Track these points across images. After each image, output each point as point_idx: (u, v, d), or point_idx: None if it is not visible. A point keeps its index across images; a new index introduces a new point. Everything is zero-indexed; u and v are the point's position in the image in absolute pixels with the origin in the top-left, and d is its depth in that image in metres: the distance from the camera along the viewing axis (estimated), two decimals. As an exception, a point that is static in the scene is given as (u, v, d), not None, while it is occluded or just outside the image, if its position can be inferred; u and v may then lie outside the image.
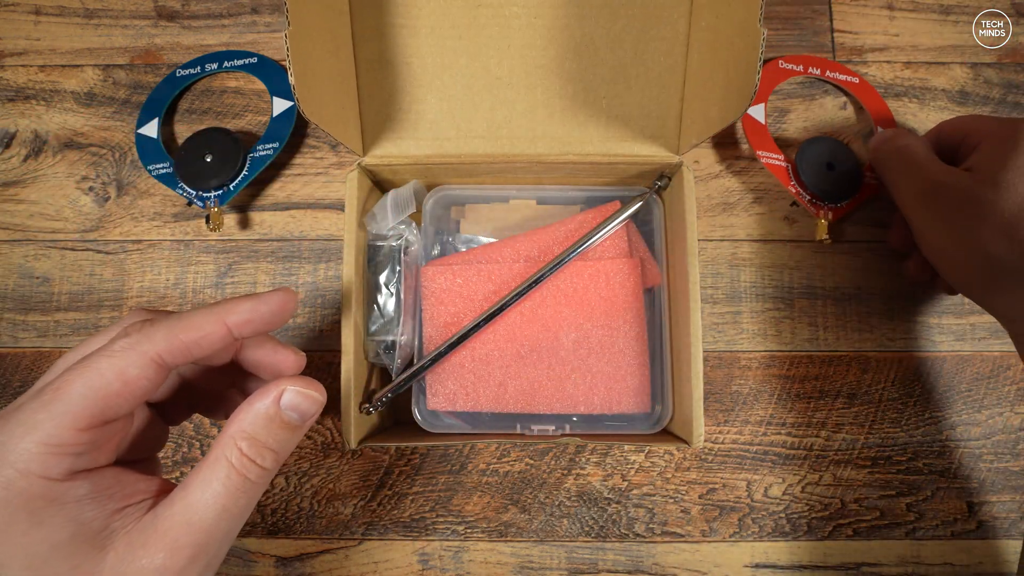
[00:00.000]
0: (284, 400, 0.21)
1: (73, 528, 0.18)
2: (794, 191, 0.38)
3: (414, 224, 0.35)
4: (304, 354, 0.25)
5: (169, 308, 0.39)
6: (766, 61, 0.41)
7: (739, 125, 0.41)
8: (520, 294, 0.33)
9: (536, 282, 0.33)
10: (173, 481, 0.21)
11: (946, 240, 0.31)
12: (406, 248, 0.35)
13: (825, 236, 0.37)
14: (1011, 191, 0.28)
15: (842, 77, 0.41)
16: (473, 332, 0.32)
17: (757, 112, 0.40)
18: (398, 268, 0.35)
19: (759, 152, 0.39)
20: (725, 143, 0.41)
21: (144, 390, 0.20)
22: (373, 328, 0.34)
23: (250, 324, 0.21)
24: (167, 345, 0.20)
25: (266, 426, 0.20)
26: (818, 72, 0.41)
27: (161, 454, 0.26)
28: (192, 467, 0.22)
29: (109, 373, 0.19)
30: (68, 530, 0.18)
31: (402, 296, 0.34)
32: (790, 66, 0.41)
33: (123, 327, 0.21)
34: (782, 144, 0.41)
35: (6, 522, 0.17)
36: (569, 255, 0.33)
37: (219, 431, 0.25)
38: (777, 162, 0.39)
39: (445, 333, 0.34)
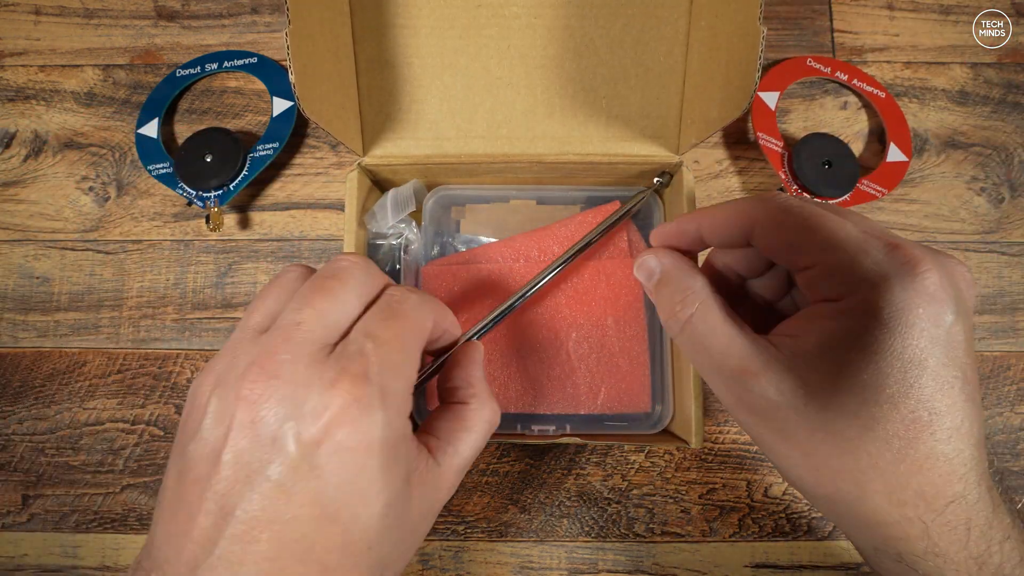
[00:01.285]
0: (479, 360, 0.25)
1: (408, 466, 0.20)
2: (783, 177, 0.38)
3: (414, 223, 0.35)
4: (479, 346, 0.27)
5: (170, 308, 0.39)
6: (790, 58, 0.42)
7: (748, 115, 0.41)
8: (534, 287, 0.31)
9: (548, 274, 0.31)
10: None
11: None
12: (406, 247, 0.35)
13: None
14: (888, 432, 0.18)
15: (869, 89, 0.41)
16: (497, 320, 0.30)
17: (770, 98, 0.40)
18: (398, 267, 0.35)
19: (759, 133, 0.39)
20: (733, 138, 0.41)
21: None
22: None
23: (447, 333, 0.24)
24: (386, 279, 0.22)
25: (487, 387, 0.25)
26: (845, 78, 0.41)
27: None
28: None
29: (438, 312, 0.23)
30: (407, 468, 0.20)
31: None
32: (818, 66, 0.41)
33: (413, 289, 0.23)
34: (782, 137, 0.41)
35: (384, 460, 0.18)
36: (574, 252, 0.32)
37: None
38: (774, 147, 0.39)
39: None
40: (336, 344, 0.19)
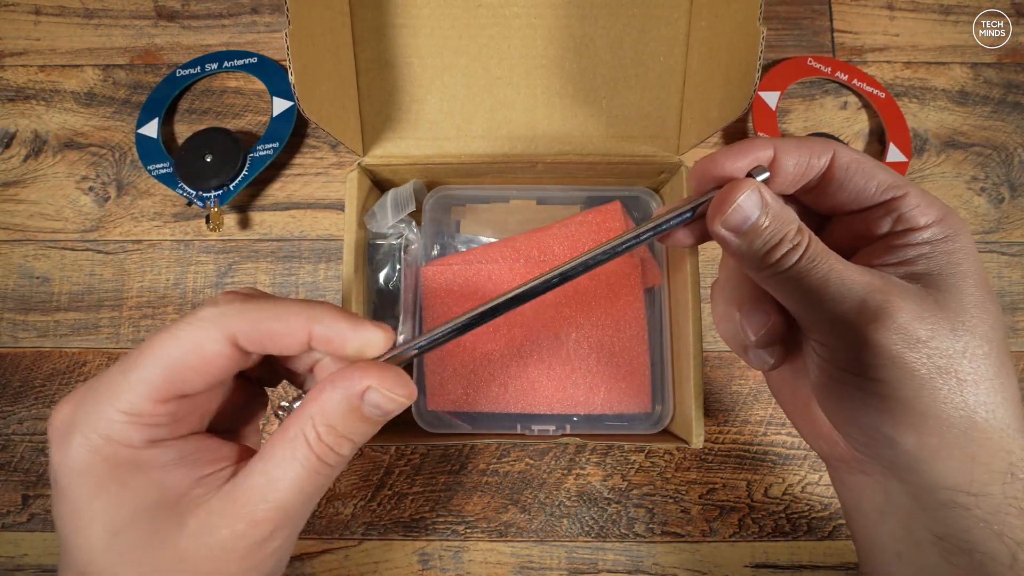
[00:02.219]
0: (369, 398, 0.19)
1: (157, 494, 0.18)
2: None
3: (414, 223, 0.35)
4: (391, 329, 0.22)
5: (170, 308, 0.39)
6: (790, 58, 0.42)
7: (749, 115, 0.41)
8: (547, 284, 0.24)
9: (565, 277, 0.24)
10: (252, 446, 0.21)
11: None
12: (406, 247, 0.35)
13: None
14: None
15: (869, 89, 0.41)
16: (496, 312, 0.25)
17: (770, 98, 0.40)
18: (398, 267, 0.35)
19: (760, 133, 0.39)
20: (733, 138, 0.41)
21: (221, 369, 0.19)
22: (373, 328, 0.34)
23: (329, 344, 0.20)
24: (248, 328, 0.19)
25: (345, 417, 0.19)
26: (845, 78, 0.41)
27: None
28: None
29: (187, 344, 0.18)
30: (152, 496, 0.18)
31: (402, 295, 0.34)
32: (818, 66, 0.41)
33: (218, 295, 0.21)
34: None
35: (93, 485, 0.17)
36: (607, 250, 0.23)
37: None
38: None
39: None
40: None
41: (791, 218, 0.20)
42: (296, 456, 0.19)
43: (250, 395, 0.23)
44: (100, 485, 0.17)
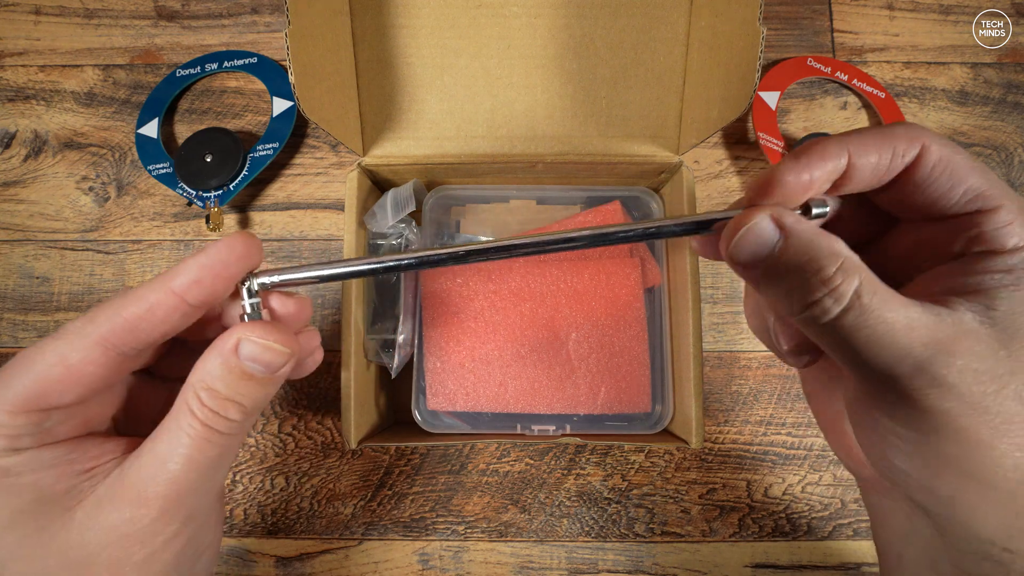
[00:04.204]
0: (243, 351, 0.19)
1: (34, 494, 0.18)
2: None
3: (414, 223, 0.35)
4: (308, 298, 0.21)
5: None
6: (790, 58, 0.42)
7: (749, 115, 0.41)
8: (545, 243, 0.22)
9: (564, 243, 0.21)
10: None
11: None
12: (406, 247, 0.35)
13: None
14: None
15: (869, 89, 0.41)
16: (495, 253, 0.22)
17: (770, 98, 0.40)
18: (398, 268, 0.35)
19: (760, 133, 0.39)
20: (733, 138, 0.41)
21: (92, 376, 0.18)
22: (373, 327, 0.34)
23: (200, 285, 0.19)
24: (111, 326, 0.18)
25: (225, 377, 0.18)
26: (845, 78, 0.41)
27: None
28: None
29: (51, 358, 0.18)
30: (28, 496, 0.18)
31: (402, 295, 0.34)
32: (818, 66, 0.41)
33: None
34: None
35: None
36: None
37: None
38: (775, 147, 0.39)
39: (445, 333, 0.34)
40: None
41: (829, 254, 0.16)
42: (182, 427, 0.18)
43: (157, 393, 0.23)
44: None
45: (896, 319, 0.15)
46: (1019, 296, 0.16)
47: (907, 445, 0.16)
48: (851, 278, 0.15)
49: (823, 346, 0.17)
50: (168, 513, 0.18)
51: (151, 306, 0.18)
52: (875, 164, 0.17)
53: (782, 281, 0.16)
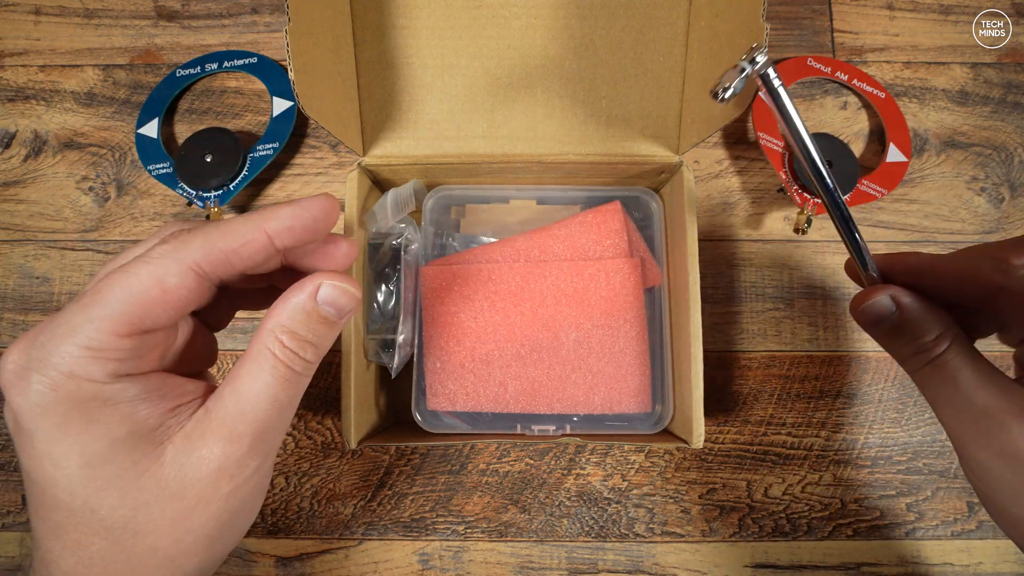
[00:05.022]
0: (321, 295, 0.20)
1: (129, 426, 0.18)
2: (784, 177, 0.38)
3: (414, 223, 0.35)
4: (355, 242, 0.23)
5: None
6: (790, 58, 0.42)
7: (749, 115, 0.41)
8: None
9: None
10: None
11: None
12: (406, 247, 0.35)
13: (803, 226, 0.37)
14: None
15: (869, 89, 0.41)
16: None
17: None
18: (398, 267, 0.35)
19: (760, 133, 0.39)
20: (733, 138, 0.41)
21: (184, 300, 0.19)
22: (373, 327, 0.34)
23: (291, 232, 0.20)
24: (204, 253, 0.19)
25: (304, 320, 0.20)
26: (845, 78, 0.41)
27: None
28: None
29: (148, 280, 0.18)
30: (124, 427, 0.18)
31: (402, 295, 0.34)
32: (818, 66, 0.41)
33: (161, 236, 0.20)
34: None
35: (59, 422, 0.18)
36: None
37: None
38: (775, 147, 0.39)
39: (445, 333, 0.34)
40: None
41: (938, 318, 0.22)
42: (264, 368, 0.19)
43: (204, 340, 0.23)
44: (67, 421, 0.18)
45: (968, 375, 0.20)
46: None
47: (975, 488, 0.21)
48: (944, 341, 0.21)
49: (915, 380, 0.23)
50: (253, 449, 0.19)
51: (245, 242, 0.19)
52: (950, 293, 0.22)
53: (899, 334, 0.22)
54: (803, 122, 0.24)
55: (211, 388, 0.21)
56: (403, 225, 0.35)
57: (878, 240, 0.40)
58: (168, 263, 0.19)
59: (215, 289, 0.21)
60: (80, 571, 0.18)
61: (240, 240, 0.19)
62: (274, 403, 0.20)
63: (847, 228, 0.24)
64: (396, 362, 0.34)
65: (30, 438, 0.18)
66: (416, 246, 0.35)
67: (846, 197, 0.38)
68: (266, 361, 0.20)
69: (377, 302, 0.34)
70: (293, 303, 0.20)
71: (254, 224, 0.20)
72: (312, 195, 0.21)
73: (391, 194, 0.34)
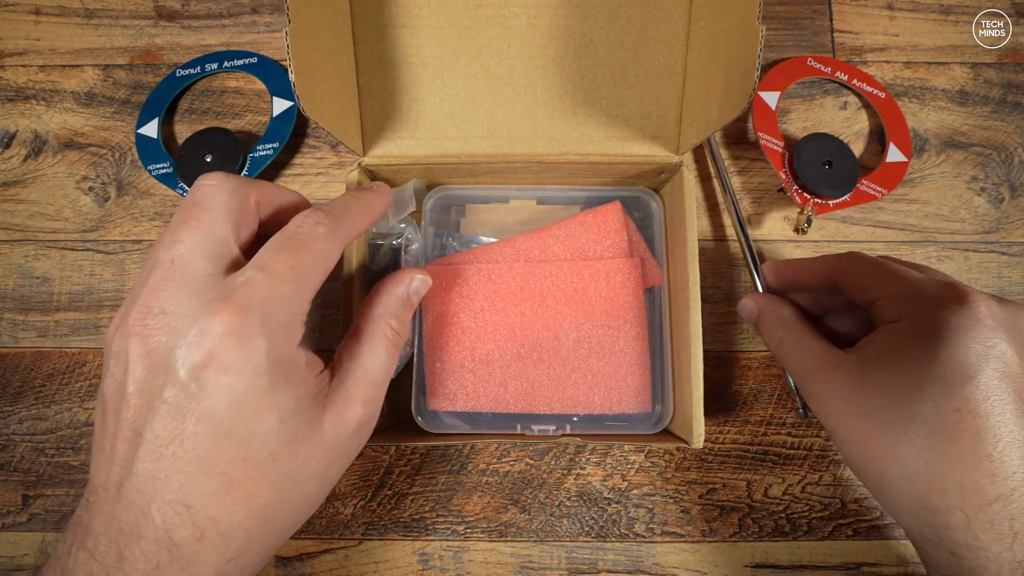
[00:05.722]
0: (412, 287, 0.27)
1: (305, 388, 0.21)
2: (784, 177, 0.38)
3: (414, 223, 0.35)
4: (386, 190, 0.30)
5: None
6: (790, 58, 0.42)
7: (748, 115, 0.41)
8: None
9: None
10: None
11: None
12: (406, 247, 0.35)
13: (803, 226, 0.37)
14: (912, 430, 0.22)
15: (869, 89, 0.41)
16: None
17: (770, 98, 0.40)
18: (398, 267, 0.35)
19: (760, 133, 0.39)
20: (732, 138, 0.41)
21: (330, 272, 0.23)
22: (373, 328, 0.34)
23: (373, 218, 0.27)
24: (346, 232, 0.24)
25: (402, 307, 0.26)
26: (845, 78, 0.41)
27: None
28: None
29: (328, 255, 0.23)
30: (303, 389, 0.21)
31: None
32: (818, 66, 0.41)
33: (209, 183, 0.23)
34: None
35: (270, 380, 0.20)
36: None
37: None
38: (775, 147, 0.39)
39: (445, 333, 0.34)
40: (227, 272, 0.21)
41: (779, 313, 0.31)
42: (381, 346, 0.24)
43: None
44: (275, 380, 0.20)
45: (801, 349, 0.28)
46: (886, 348, 0.25)
47: (845, 437, 0.25)
48: (783, 327, 0.30)
49: (777, 360, 0.33)
50: (376, 411, 0.24)
51: (363, 227, 0.26)
52: (811, 282, 0.32)
53: (760, 326, 0.32)
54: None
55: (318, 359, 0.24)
56: (403, 225, 0.35)
57: (878, 240, 0.40)
58: (333, 241, 0.23)
59: None
60: (246, 523, 0.20)
61: (360, 227, 0.25)
62: (388, 374, 0.25)
63: (749, 249, 0.36)
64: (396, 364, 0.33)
65: (237, 393, 0.19)
66: (416, 246, 0.35)
67: (846, 197, 0.38)
68: (382, 341, 0.24)
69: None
70: (395, 294, 0.26)
71: (364, 218, 0.26)
72: (378, 190, 0.28)
73: (392, 194, 0.34)
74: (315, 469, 0.22)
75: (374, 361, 0.24)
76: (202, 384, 0.19)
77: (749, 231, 0.40)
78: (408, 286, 0.27)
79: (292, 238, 0.22)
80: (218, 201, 0.22)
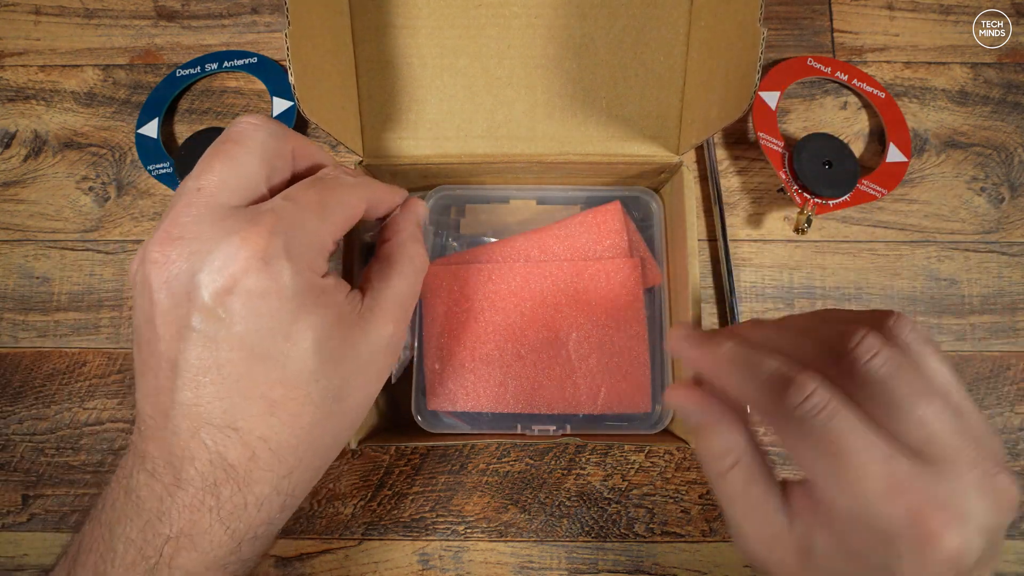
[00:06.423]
0: (420, 213, 0.28)
1: (337, 312, 0.22)
2: (784, 177, 0.38)
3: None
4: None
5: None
6: (790, 58, 0.42)
7: (749, 115, 0.41)
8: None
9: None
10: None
11: None
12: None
13: (803, 226, 0.37)
14: None
15: (869, 89, 0.41)
16: None
17: (770, 98, 0.40)
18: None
19: (760, 133, 0.39)
20: (733, 138, 0.41)
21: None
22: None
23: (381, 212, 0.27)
24: (370, 193, 0.24)
25: (420, 233, 0.27)
26: (845, 78, 0.41)
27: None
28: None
29: (358, 201, 0.23)
30: (334, 312, 0.21)
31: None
32: (818, 66, 0.41)
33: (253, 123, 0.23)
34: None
35: (300, 303, 0.20)
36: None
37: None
38: (775, 147, 0.39)
39: (445, 333, 0.34)
40: (249, 207, 0.21)
41: (728, 441, 0.22)
42: (407, 269, 0.25)
43: None
44: (304, 303, 0.20)
45: (745, 501, 0.22)
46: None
47: None
48: (729, 458, 0.22)
49: (714, 492, 0.24)
50: (403, 333, 0.25)
51: (383, 202, 0.26)
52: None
53: (699, 442, 0.24)
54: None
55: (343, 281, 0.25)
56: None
57: (878, 240, 0.40)
58: (360, 191, 0.24)
59: None
60: (292, 443, 0.21)
61: (387, 202, 0.26)
62: (414, 296, 0.25)
63: (727, 258, 0.38)
64: (395, 368, 0.33)
65: (267, 316, 0.20)
66: (416, 246, 0.35)
67: (846, 197, 0.38)
68: (406, 265, 0.25)
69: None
70: (414, 223, 0.27)
71: (392, 197, 0.27)
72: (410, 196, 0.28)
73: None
74: (355, 386, 0.22)
75: (401, 282, 0.24)
76: (229, 309, 0.19)
77: (749, 231, 0.40)
78: (419, 215, 0.27)
79: (321, 179, 0.23)
80: (255, 139, 0.21)
